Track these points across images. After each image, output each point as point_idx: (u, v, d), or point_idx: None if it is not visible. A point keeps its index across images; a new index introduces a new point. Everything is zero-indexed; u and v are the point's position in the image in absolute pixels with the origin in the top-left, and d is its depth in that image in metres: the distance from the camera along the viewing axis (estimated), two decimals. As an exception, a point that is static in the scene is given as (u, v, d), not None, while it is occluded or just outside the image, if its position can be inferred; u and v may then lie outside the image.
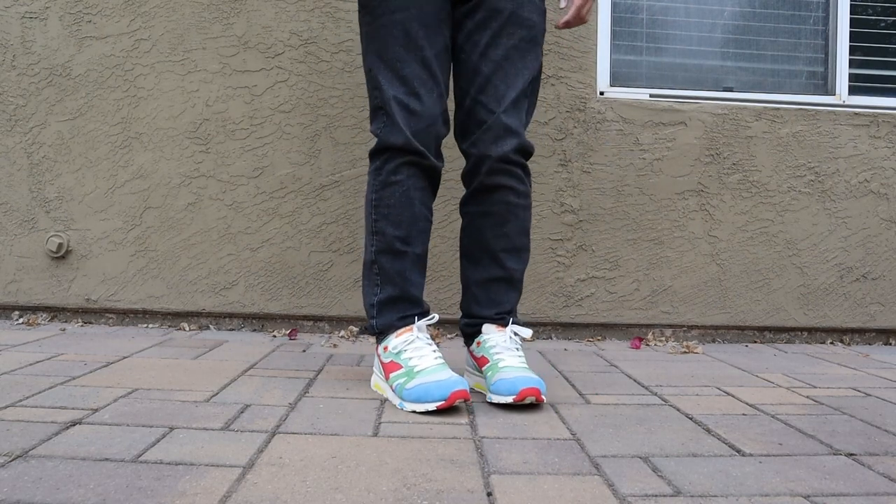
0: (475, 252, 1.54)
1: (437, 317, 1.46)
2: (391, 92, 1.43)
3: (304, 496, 0.91)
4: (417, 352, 1.41)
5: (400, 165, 1.44)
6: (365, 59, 1.50)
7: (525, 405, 1.41)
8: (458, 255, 2.36)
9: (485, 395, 1.49)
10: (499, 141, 1.45)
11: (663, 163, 2.42)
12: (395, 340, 1.44)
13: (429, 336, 1.49)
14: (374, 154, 1.49)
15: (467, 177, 1.52)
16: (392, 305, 1.48)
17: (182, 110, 2.35)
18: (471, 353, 1.57)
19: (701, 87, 2.54)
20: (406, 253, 1.46)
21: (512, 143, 1.45)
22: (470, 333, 1.56)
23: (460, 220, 2.35)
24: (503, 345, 1.48)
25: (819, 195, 2.48)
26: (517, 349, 1.49)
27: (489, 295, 1.53)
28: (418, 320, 1.46)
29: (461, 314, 1.60)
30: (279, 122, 2.35)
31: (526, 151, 1.49)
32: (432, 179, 1.50)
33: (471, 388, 1.55)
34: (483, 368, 1.49)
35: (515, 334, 1.52)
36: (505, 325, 1.53)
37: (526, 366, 1.45)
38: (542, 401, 1.39)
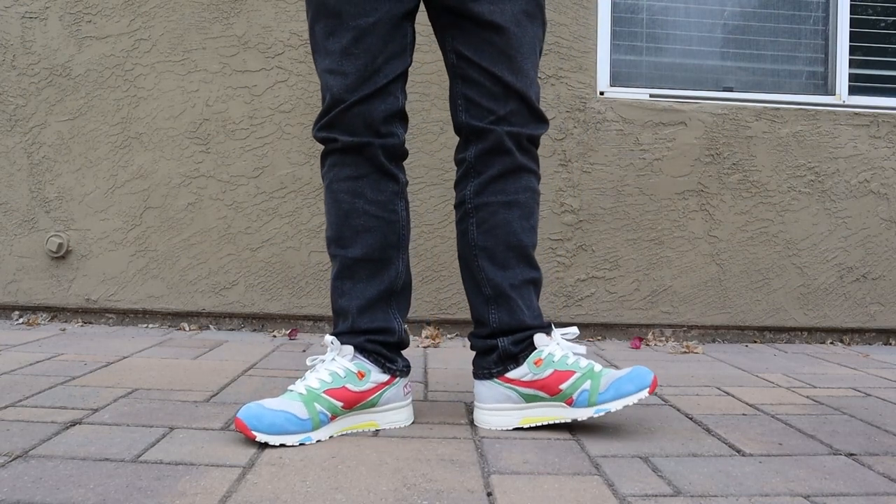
0: (502, 251, 1.26)
1: (332, 340, 1.21)
2: (322, 72, 1.22)
3: (304, 496, 0.91)
4: (308, 374, 1.20)
5: (322, 157, 1.26)
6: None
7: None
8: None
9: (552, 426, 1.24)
10: (532, 124, 1.26)
11: (663, 163, 2.42)
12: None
13: (340, 357, 1.21)
14: None
15: (485, 157, 1.25)
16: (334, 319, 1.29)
17: (182, 110, 2.35)
18: (514, 381, 1.24)
19: (701, 87, 2.53)
20: (336, 257, 1.25)
21: (544, 128, 1.28)
22: (517, 352, 1.24)
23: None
24: (575, 350, 1.25)
25: (819, 195, 2.48)
26: None
27: (528, 301, 1.27)
28: (333, 342, 1.21)
29: (496, 332, 1.26)
30: (279, 122, 2.35)
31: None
32: (370, 162, 1.22)
33: (517, 426, 1.25)
34: (563, 387, 1.21)
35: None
36: (549, 333, 1.27)
37: None
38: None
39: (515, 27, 1.21)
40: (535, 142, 1.28)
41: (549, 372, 1.22)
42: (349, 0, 1.17)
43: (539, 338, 1.24)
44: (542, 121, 1.27)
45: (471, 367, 1.82)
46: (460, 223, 1.30)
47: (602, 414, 1.19)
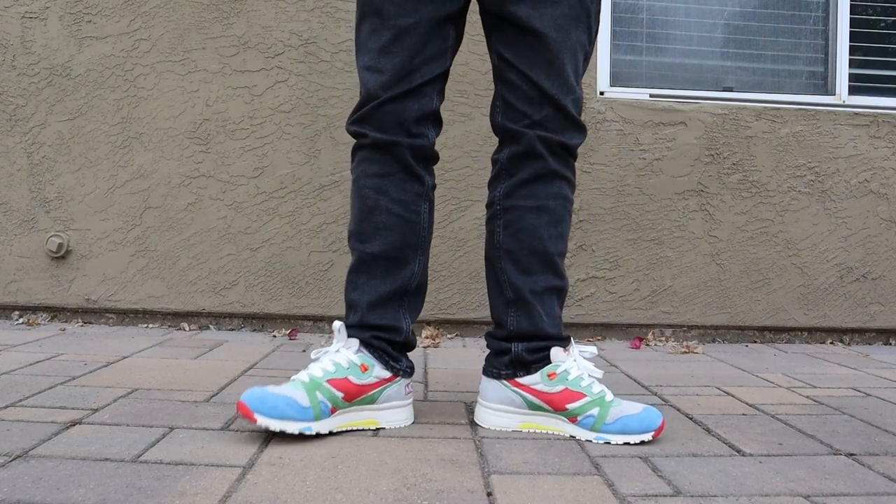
0: (526, 256, 1.25)
1: (339, 327, 1.23)
2: (360, 68, 1.25)
3: (304, 496, 0.91)
4: (312, 364, 1.23)
5: (353, 152, 1.28)
6: None
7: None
8: (458, 254, 2.36)
9: (548, 433, 1.24)
10: (568, 132, 1.25)
11: (663, 163, 2.42)
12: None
13: (345, 349, 1.22)
14: None
15: (517, 160, 1.26)
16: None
17: (182, 110, 2.35)
18: (523, 387, 1.24)
19: (701, 87, 2.53)
20: (354, 251, 1.26)
21: (581, 138, 1.27)
22: (531, 361, 1.24)
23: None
24: (592, 372, 1.25)
25: (819, 195, 2.48)
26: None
27: (549, 309, 1.26)
28: (340, 329, 1.23)
29: (512, 336, 1.26)
30: (279, 122, 2.35)
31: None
32: (397, 161, 1.23)
33: (515, 429, 1.26)
34: (570, 406, 1.21)
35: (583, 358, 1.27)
36: (566, 347, 1.26)
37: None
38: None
39: (555, 32, 1.20)
40: (569, 150, 1.26)
41: (559, 388, 1.22)
42: (392, 0, 1.19)
43: (556, 352, 1.24)
44: (578, 129, 1.26)
45: (471, 367, 1.82)
46: (489, 223, 1.31)
47: (601, 442, 1.19)
